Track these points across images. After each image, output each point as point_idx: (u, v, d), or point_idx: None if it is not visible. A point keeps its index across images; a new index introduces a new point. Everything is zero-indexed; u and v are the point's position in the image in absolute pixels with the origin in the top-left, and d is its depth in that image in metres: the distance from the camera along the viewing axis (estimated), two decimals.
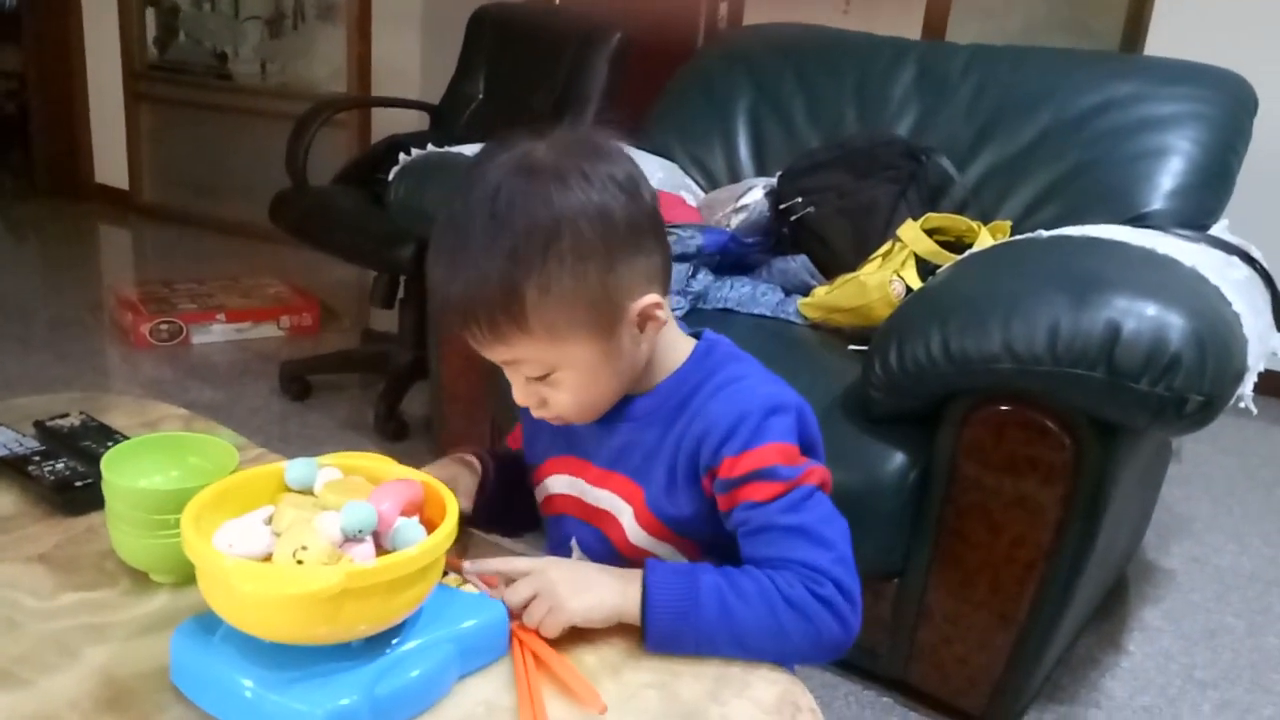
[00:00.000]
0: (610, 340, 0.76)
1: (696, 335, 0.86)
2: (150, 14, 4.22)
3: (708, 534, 0.80)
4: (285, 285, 3.07)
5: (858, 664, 1.50)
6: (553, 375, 0.78)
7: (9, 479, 0.94)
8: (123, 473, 0.79)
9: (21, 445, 0.98)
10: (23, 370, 2.54)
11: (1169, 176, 1.61)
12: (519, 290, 0.71)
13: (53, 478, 0.92)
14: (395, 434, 2.24)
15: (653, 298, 0.76)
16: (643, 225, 0.75)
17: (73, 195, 4.41)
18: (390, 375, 2.32)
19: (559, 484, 0.89)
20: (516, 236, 0.71)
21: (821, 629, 0.74)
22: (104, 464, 0.78)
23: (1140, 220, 1.56)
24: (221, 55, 4.13)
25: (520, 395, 0.81)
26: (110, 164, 4.38)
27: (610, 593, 0.75)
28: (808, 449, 0.79)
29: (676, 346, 0.83)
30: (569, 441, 0.87)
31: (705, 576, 0.75)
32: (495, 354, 0.77)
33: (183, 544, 0.64)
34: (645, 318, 0.76)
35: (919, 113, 1.87)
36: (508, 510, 0.92)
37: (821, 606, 0.74)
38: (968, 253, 1.47)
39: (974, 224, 1.57)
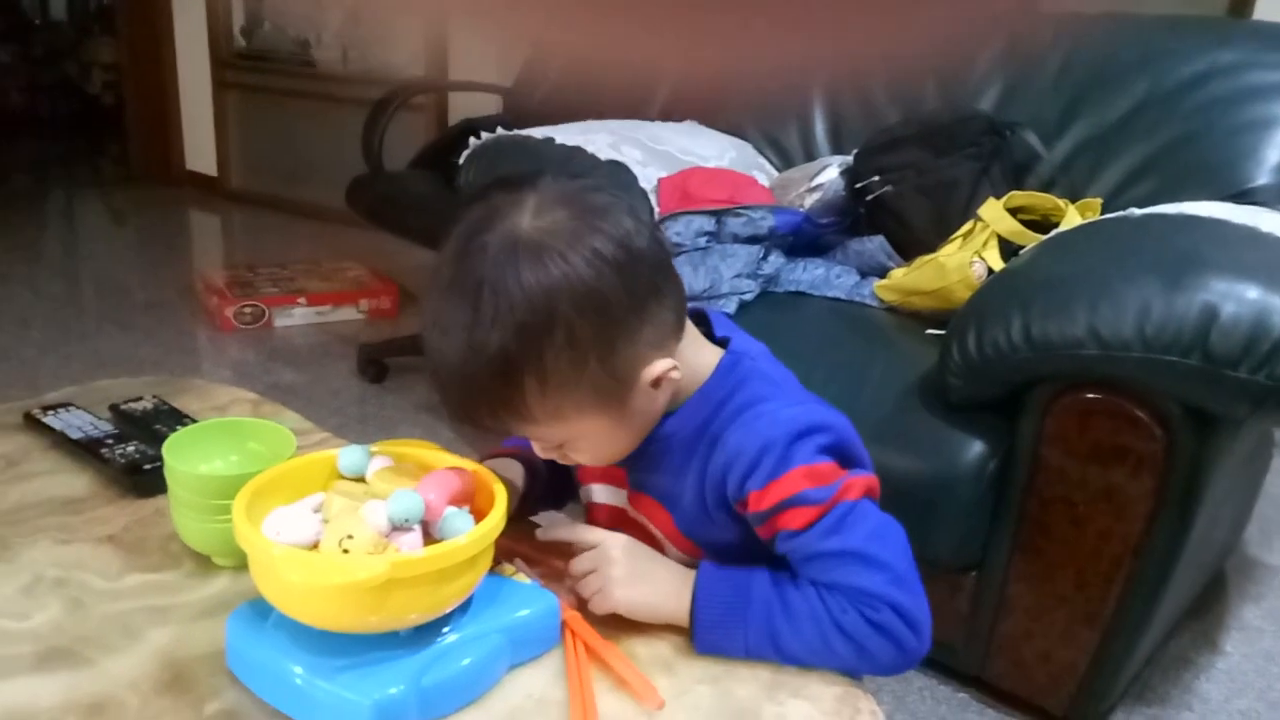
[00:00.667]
0: (621, 410, 0.73)
1: (725, 342, 0.81)
2: (237, 3, 4.31)
3: (748, 558, 0.76)
4: (365, 269, 3.12)
5: (933, 658, 1.45)
6: (567, 444, 0.75)
7: (84, 461, 0.96)
8: (184, 458, 0.80)
9: (96, 428, 1.00)
10: (116, 350, 2.62)
11: (1275, 149, 1.51)
12: (517, 386, 0.68)
13: (124, 460, 0.93)
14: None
15: (664, 364, 0.72)
16: (642, 294, 0.69)
17: (165, 182, 4.55)
18: None
19: (600, 493, 0.88)
20: (506, 336, 0.66)
21: (877, 654, 0.70)
22: (165, 449, 0.79)
23: (1243, 197, 1.46)
24: (304, 42, 4.20)
25: (540, 453, 0.78)
26: (200, 151, 4.51)
27: (661, 594, 0.73)
28: (847, 463, 0.74)
29: (699, 365, 0.78)
30: None
31: (757, 591, 0.72)
32: (507, 432, 0.74)
33: (234, 529, 0.64)
34: (659, 380, 0.73)
35: (1004, 86, 1.79)
36: (548, 502, 0.92)
37: (877, 633, 0.70)
38: (1053, 232, 1.40)
39: (1061, 202, 1.50)
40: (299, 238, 3.84)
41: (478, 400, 0.70)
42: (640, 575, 0.74)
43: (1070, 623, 1.27)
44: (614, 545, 0.75)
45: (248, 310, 2.77)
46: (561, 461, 0.79)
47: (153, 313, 2.96)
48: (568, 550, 0.78)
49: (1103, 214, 1.50)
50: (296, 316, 2.84)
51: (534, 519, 0.79)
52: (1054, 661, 1.30)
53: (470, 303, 0.67)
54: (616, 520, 0.87)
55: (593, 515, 0.89)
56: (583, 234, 0.67)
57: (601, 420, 0.72)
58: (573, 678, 0.69)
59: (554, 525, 0.78)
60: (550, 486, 0.90)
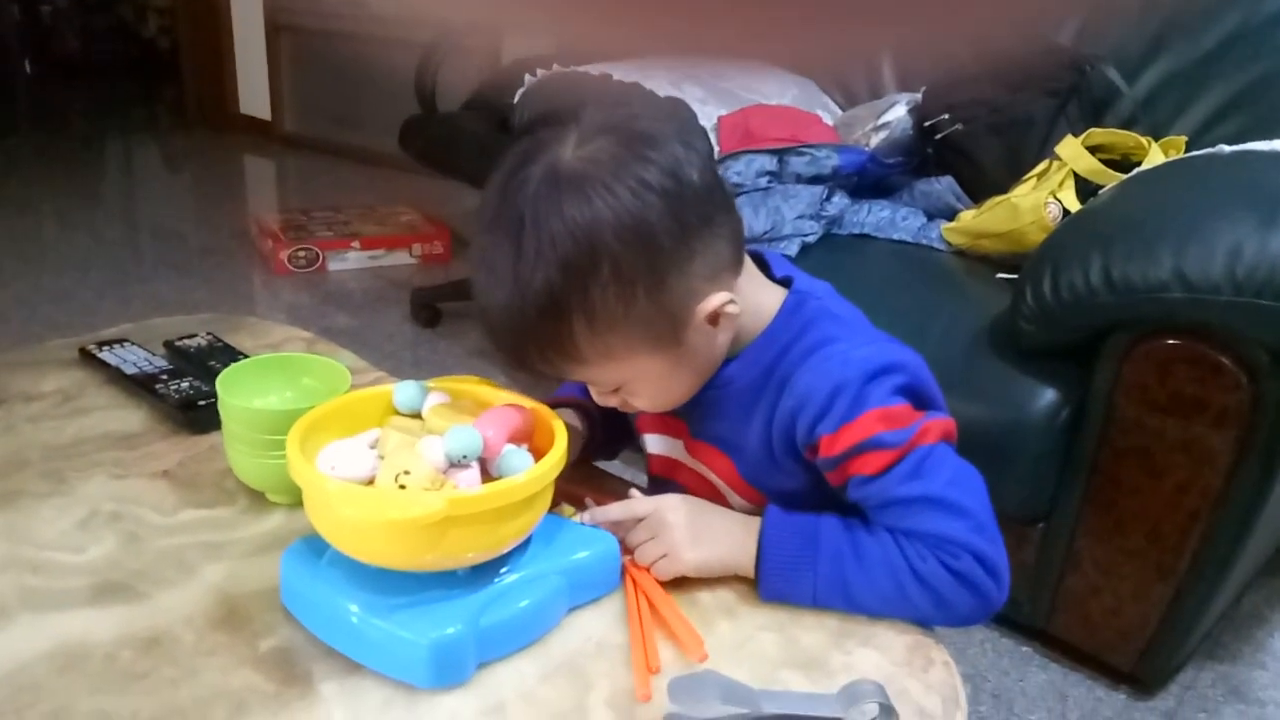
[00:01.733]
0: (678, 348, 0.69)
1: (789, 281, 0.77)
2: None
3: (816, 505, 0.73)
4: (418, 213, 3.10)
5: (997, 611, 1.42)
6: (625, 386, 0.72)
7: (138, 397, 0.95)
8: (238, 393, 0.78)
9: (151, 364, 0.99)
10: (173, 294, 2.64)
11: None
12: (565, 325, 0.65)
13: (178, 396, 0.93)
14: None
15: (720, 297, 0.68)
16: (692, 223, 0.65)
17: (220, 126, 4.57)
18: None
19: (655, 444, 0.85)
20: (551, 272, 0.63)
21: (955, 603, 0.67)
22: (219, 383, 0.78)
23: None
24: None
25: (599, 400, 0.75)
26: (254, 95, 4.51)
27: (726, 546, 0.70)
28: (921, 405, 0.70)
29: (762, 306, 0.74)
30: None
31: (826, 538, 0.69)
32: (558, 377, 0.71)
33: (288, 464, 0.63)
34: (716, 315, 0.69)
35: (1083, 17, 1.70)
36: (606, 451, 0.89)
37: (957, 581, 0.67)
38: (1135, 171, 1.33)
39: (1144, 140, 1.42)
40: (352, 182, 3.84)
41: (527, 342, 0.67)
42: (703, 532, 0.71)
43: (1141, 577, 1.23)
44: (668, 509, 0.72)
45: (302, 254, 2.78)
46: (621, 409, 0.77)
47: (208, 257, 2.98)
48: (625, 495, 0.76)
49: (1188, 152, 1.42)
50: (350, 260, 2.84)
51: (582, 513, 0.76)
52: (1123, 617, 1.26)
53: (513, 240, 0.64)
54: (672, 471, 0.84)
55: (652, 466, 0.87)
56: (627, 162, 0.64)
57: (656, 360, 0.69)
58: (633, 622, 0.67)
59: (603, 509, 0.74)
60: (607, 436, 0.87)
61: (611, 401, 0.75)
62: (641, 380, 0.72)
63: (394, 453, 0.63)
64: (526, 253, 0.64)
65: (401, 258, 2.91)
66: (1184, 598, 1.21)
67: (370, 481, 0.62)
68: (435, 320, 2.48)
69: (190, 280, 2.76)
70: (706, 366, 0.74)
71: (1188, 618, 1.23)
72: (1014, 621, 1.40)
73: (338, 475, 0.61)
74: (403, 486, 0.60)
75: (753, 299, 0.74)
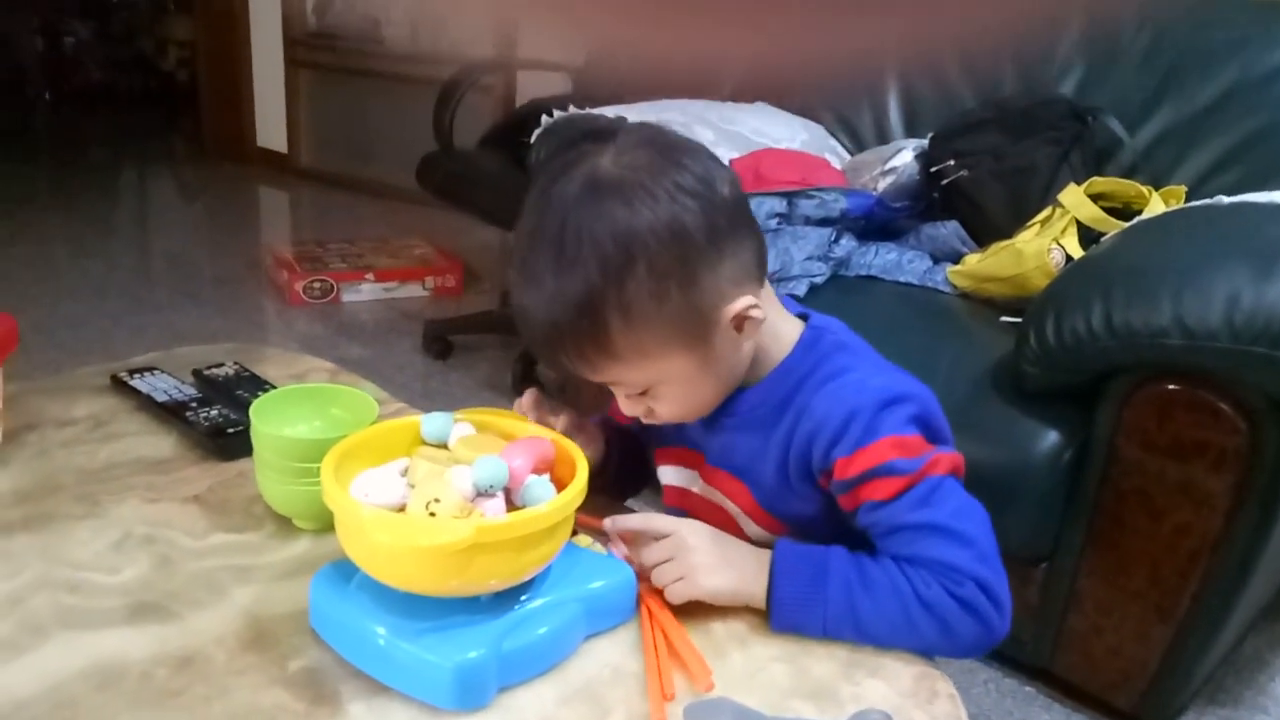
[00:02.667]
0: (706, 349, 0.72)
1: (804, 317, 0.81)
2: None
3: (830, 532, 0.76)
4: (431, 247, 3.15)
5: (999, 650, 1.43)
6: (653, 390, 0.75)
7: (169, 424, 0.98)
8: (270, 421, 0.81)
9: (181, 392, 1.02)
10: (189, 323, 2.68)
11: None
12: (600, 320, 0.68)
13: (208, 424, 0.95)
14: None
15: (746, 300, 0.72)
16: (723, 228, 0.69)
17: (237, 158, 4.63)
18: None
19: (669, 475, 0.88)
20: (589, 268, 0.67)
21: (960, 631, 0.69)
22: (252, 412, 0.81)
23: None
24: (375, 21, 4.24)
25: (625, 408, 0.78)
26: (271, 128, 4.58)
27: (739, 576, 0.73)
28: (933, 438, 0.73)
29: (781, 335, 0.78)
30: (678, 431, 0.84)
31: (835, 568, 0.71)
32: (590, 378, 0.74)
33: (322, 491, 0.65)
34: (741, 320, 0.72)
35: (1085, 70, 1.75)
36: (625, 485, 0.92)
37: (961, 608, 0.69)
38: (1136, 219, 1.37)
39: (1144, 189, 1.46)
40: (366, 215, 3.89)
41: (565, 339, 0.70)
42: (722, 560, 0.73)
43: (1143, 618, 1.25)
44: (690, 533, 0.74)
45: (316, 285, 2.82)
46: (645, 419, 0.79)
47: (223, 286, 3.02)
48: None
49: (1188, 202, 1.46)
50: (364, 292, 2.88)
51: (605, 519, 0.78)
52: (1124, 657, 1.28)
53: (554, 242, 0.68)
54: (686, 502, 0.87)
55: (667, 498, 0.89)
56: (665, 168, 0.68)
57: (686, 361, 0.72)
58: (648, 650, 0.69)
59: (624, 517, 0.77)
60: (624, 468, 0.90)
61: (637, 409, 0.78)
62: (670, 383, 0.74)
63: (424, 482, 0.66)
64: (567, 253, 0.67)
65: (414, 290, 2.95)
66: (1185, 639, 1.23)
67: (401, 508, 0.65)
68: (447, 352, 2.51)
69: (205, 309, 2.81)
70: (729, 375, 0.76)
71: (1189, 659, 1.25)
72: (1017, 661, 1.41)
73: (371, 502, 0.64)
74: (433, 514, 0.63)
75: (774, 325, 0.77)
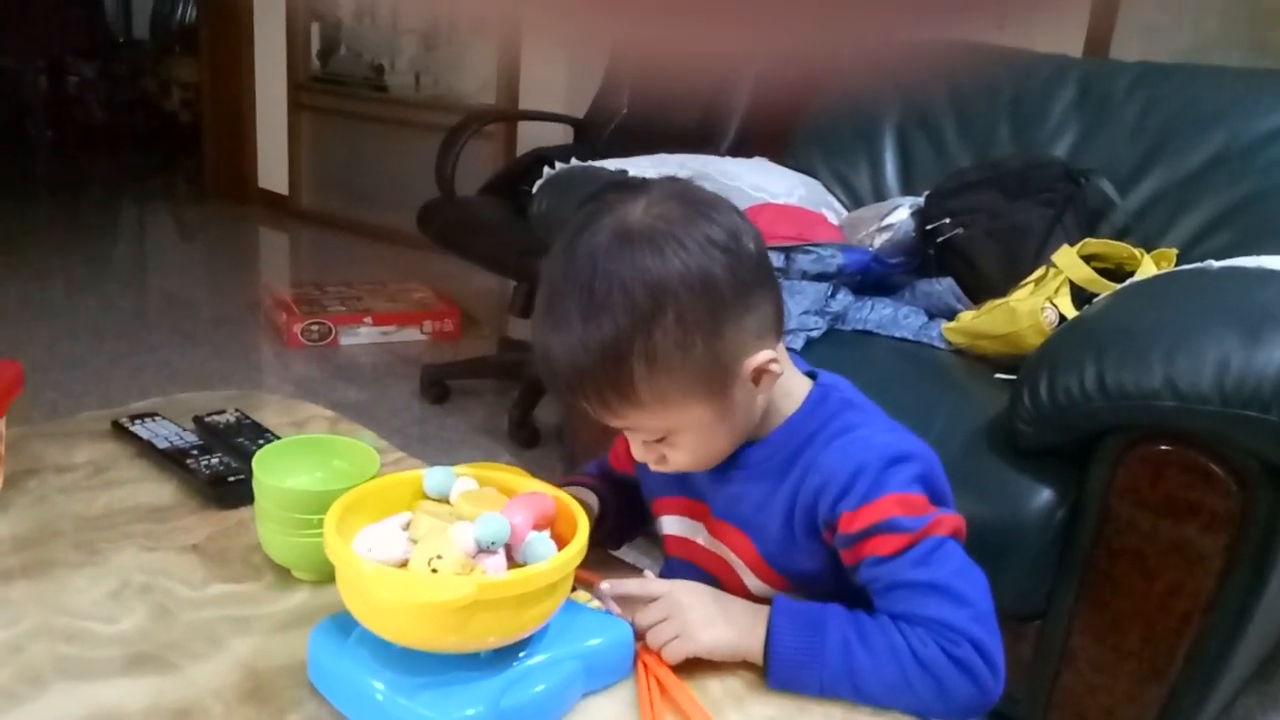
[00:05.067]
0: (724, 401, 0.74)
1: (813, 375, 0.83)
2: (315, 28, 4.43)
3: (832, 588, 0.77)
4: (429, 291, 3.16)
5: (993, 708, 1.43)
6: (669, 438, 0.76)
7: (169, 471, 0.99)
8: (272, 472, 0.82)
9: (182, 439, 1.03)
10: (186, 364, 2.69)
11: None
12: (625, 367, 0.70)
13: (208, 472, 0.96)
14: (527, 441, 2.28)
15: (766, 354, 0.73)
16: (748, 282, 0.72)
17: (237, 199, 4.67)
18: (525, 383, 2.36)
19: (673, 525, 0.88)
20: (617, 315, 0.69)
21: (954, 690, 0.70)
22: (255, 463, 0.82)
23: None
24: (379, 68, 4.30)
25: (638, 454, 0.79)
26: (272, 170, 4.62)
27: (737, 631, 0.73)
28: (936, 499, 0.75)
29: (791, 391, 0.80)
30: (684, 483, 0.85)
31: (833, 625, 0.72)
32: (608, 422, 0.76)
33: (324, 545, 0.66)
34: (760, 373, 0.74)
35: (1078, 133, 1.79)
36: (619, 534, 0.93)
37: (956, 668, 0.70)
38: (1128, 281, 1.39)
39: (1136, 251, 1.49)
40: (364, 258, 3.92)
41: (587, 383, 0.71)
42: (716, 616, 0.74)
43: (1136, 678, 1.25)
44: (683, 591, 0.75)
45: (315, 328, 2.83)
46: (656, 466, 0.80)
47: (221, 327, 3.03)
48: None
49: (1178, 265, 1.48)
50: (362, 335, 2.90)
51: (601, 581, 0.79)
52: (1117, 717, 1.27)
53: (584, 288, 0.69)
54: (688, 552, 0.87)
55: (669, 547, 0.90)
56: (695, 220, 0.70)
57: (704, 410, 0.73)
58: (644, 710, 0.70)
59: (620, 581, 0.78)
60: (617, 522, 0.90)
61: (650, 456, 0.79)
62: (687, 431, 0.75)
63: (426, 538, 0.66)
64: (597, 298, 0.69)
65: (412, 334, 2.96)
66: (1177, 699, 1.23)
67: (403, 564, 0.66)
68: (444, 397, 2.52)
69: (203, 350, 2.81)
70: (743, 426, 0.78)
71: (1182, 719, 1.25)
72: (1010, 719, 1.41)
73: (373, 558, 0.65)
74: (435, 570, 0.63)
75: (785, 383, 0.79)
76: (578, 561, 0.68)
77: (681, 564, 0.87)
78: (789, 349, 1.45)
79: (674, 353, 0.70)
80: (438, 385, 2.53)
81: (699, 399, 0.73)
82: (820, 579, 0.78)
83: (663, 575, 0.90)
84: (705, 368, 0.71)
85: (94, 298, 3.25)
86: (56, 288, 3.35)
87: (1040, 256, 1.53)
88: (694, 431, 0.76)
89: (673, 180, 0.75)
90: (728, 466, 0.81)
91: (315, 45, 4.47)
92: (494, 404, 2.54)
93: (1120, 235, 1.59)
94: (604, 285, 0.69)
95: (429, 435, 2.33)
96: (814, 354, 1.53)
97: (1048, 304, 1.42)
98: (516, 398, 2.34)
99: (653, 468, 0.80)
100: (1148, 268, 1.43)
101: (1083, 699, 1.30)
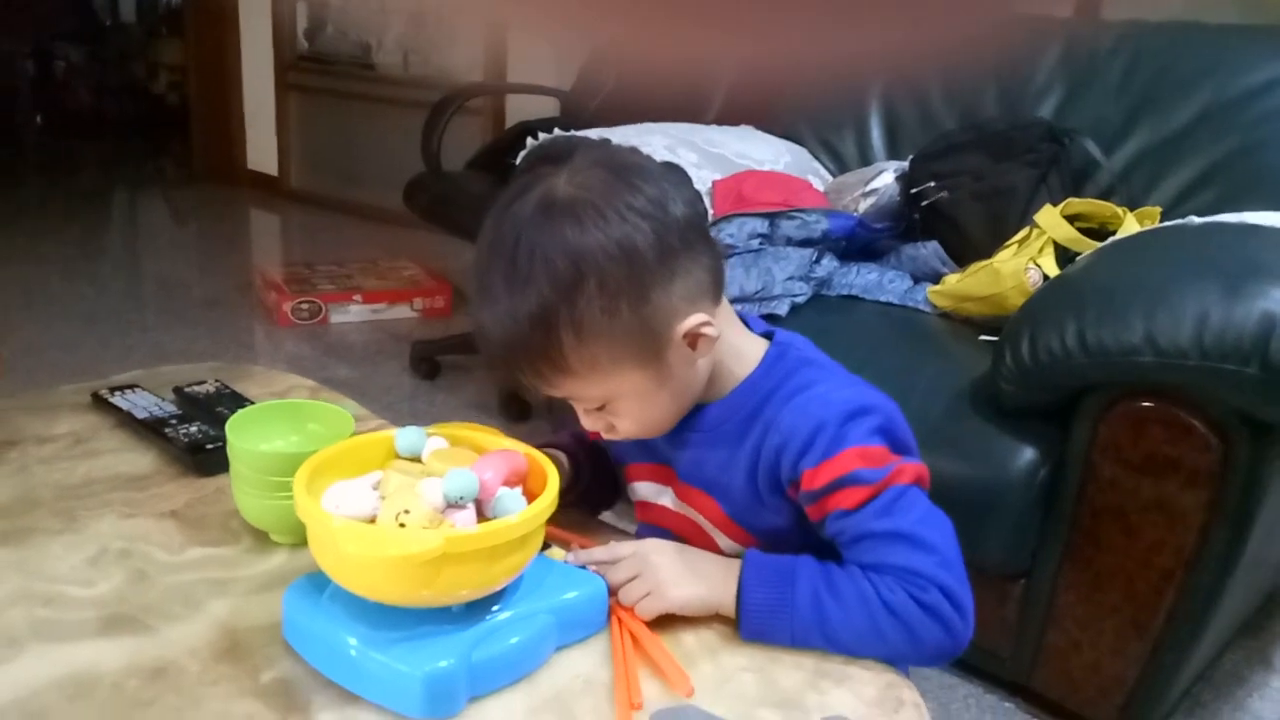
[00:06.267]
0: (659, 366, 0.74)
1: (769, 336, 0.82)
2: (301, 7, 4.40)
3: (800, 544, 0.77)
4: (419, 269, 3.16)
5: (978, 666, 1.44)
6: (609, 405, 0.76)
7: (148, 440, 0.99)
8: (246, 437, 0.82)
9: (160, 409, 1.03)
10: (177, 344, 2.69)
11: None
12: (553, 335, 0.70)
13: (186, 440, 0.96)
14: (518, 414, 2.28)
15: (698, 318, 0.73)
16: (674, 247, 0.71)
17: (226, 181, 4.65)
18: None
19: (646, 490, 0.88)
20: (541, 285, 0.69)
21: (924, 636, 0.70)
22: (229, 427, 0.82)
23: None
24: (366, 46, 4.28)
25: (585, 422, 0.80)
26: (261, 151, 4.60)
27: (707, 585, 0.74)
28: (898, 449, 0.75)
29: (745, 352, 0.80)
30: (648, 448, 0.85)
31: (803, 576, 0.72)
32: (547, 393, 0.76)
33: (295, 503, 0.66)
34: (694, 337, 0.74)
35: (1063, 93, 1.78)
36: (598, 499, 0.93)
37: (925, 613, 0.70)
38: (1110, 240, 1.39)
39: (1119, 210, 1.48)
40: (355, 237, 3.91)
41: (520, 354, 0.72)
42: (686, 572, 0.74)
43: (1120, 634, 1.26)
44: (652, 550, 0.75)
45: (305, 306, 2.83)
46: (606, 434, 0.80)
47: (212, 308, 3.03)
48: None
49: (1162, 222, 1.48)
50: (352, 313, 2.89)
51: (569, 552, 0.79)
52: (1102, 673, 1.28)
53: (508, 260, 0.70)
54: (658, 516, 0.87)
55: (640, 513, 0.90)
56: (616, 189, 0.70)
57: (639, 376, 0.74)
58: (618, 662, 0.70)
59: (587, 551, 0.78)
60: (595, 484, 0.91)
61: (597, 425, 0.79)
62: (625, 398, 0.76)
63: (395, 493, 0.66)
64: (520, 270, 0.69)
65: (403, 311, 2.96)
66: (1161, 654, 1.24)
67: (373, 520, 0.66)
68: (434, 373, 2.52)
69: (194, 330, 2.81)
70: (685, 391, 0.78)
71: (1166, 674, 1.25)
72: (996, 677, 1.42)
73: (341, 513, 0.65)
74: (403, 525, 0.63)
75: (736, 344, 0.79)
76: (547, 515, 0.68)
77: (652, 529, 0.88)
78: (772, 314, 1.45)
79: (600, 320, 0.70)
80: (428, 361, 2.53)
81: (632, 365, 0.73)
82: (789, 535, 0.79)
83: (639, 536, 0.91)
84: (634, 334, 0.71)
85: (84, 281, 3.24)
86: (47, 271, 3.34)
87: (1025, 217, 1.53)
88: (633, 398, 0.76)
89: (600, 147, 0.75)
90: (687, 429, 0.81)
91: (302, 24, 4.44)
92: (484, 379, 2.54)
93: (1105, 195, 1.59)
94: (526, 257, 0.69)
95: (419, 410, 2.33)
96: (799, 319, 1.53)
97: (1031, 264, 1.42)
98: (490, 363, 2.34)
99: (604, 436, 0.81)
100: (1130, 226, 1.43)
101: (1068, 656, 1.31)
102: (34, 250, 3.57)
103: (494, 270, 0.71)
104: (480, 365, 2.61)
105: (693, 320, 0.73)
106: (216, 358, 2.58)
